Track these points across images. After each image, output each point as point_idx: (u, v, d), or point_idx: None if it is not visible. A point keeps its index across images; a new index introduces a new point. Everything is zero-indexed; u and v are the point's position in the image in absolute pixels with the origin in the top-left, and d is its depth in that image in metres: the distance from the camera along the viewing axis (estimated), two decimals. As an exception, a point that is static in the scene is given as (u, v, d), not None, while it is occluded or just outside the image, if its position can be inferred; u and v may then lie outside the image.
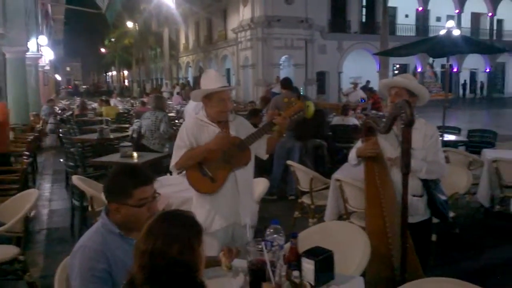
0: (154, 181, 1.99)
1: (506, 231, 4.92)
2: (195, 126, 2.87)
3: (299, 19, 27.88)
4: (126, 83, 59.33)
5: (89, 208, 4.49)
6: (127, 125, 11.44)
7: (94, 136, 8.35)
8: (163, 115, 6.84)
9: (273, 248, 2.00)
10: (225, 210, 2.83)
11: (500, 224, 5.25)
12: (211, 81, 2.83)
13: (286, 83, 7.11)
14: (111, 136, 8.50)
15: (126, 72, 59.65)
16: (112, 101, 17.33)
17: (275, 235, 2.13)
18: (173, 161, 2.84)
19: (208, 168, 2.79)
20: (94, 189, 4.34)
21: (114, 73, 64.37)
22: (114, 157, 6.08)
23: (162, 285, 1.43)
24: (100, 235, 1.93)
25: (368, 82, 20.37)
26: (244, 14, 29.36)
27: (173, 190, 3.87)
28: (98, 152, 7.88)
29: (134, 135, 7.19)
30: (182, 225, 1.49)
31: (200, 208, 2.83)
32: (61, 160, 8.33)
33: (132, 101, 22.66)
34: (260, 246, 1.97)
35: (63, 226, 5.54)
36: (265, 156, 3.01)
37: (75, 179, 4.55)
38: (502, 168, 5.21)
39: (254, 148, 2.90)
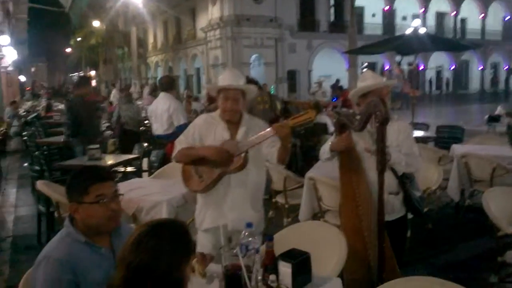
0: (113, 179, 1.95)
1: (476, 225, 5.00)
2: (204, 123, 2.84)
3: (268, 18, 27.93)
4: (94, 83, 58.06)
5: (56, 214, 4.31)
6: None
7: (61, 138, 8.01)
8: (137, 106, 9.67)
9: (248, 252, 1.93)
10: (214, 211, 2.79)
11: (470, 218, 5.34)
12: (223, 78, 2.78)
13: (253, 83, 7.05)
14: (79, 138, 8.29)
15: (93, 73, 58.39)
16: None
17: (250, 239, 2.06)
18: (174, 153, 2.83)
19: (201, 167, 2.73)
20: (60, 194, 4.15)
21: (81, 73, 62.97)
22: (82, 160, 5.88)
23: None
24: (65, 244, 1.83)
25: (337, 80, 20.60)
26: (213, 13, 29.16)
27: (143, 193, 3.75)
28: (65, 155, 7.67)
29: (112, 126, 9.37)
30: (173, 241, 1.45)
31: (198, 203, 2.91)
32: (25, 164, 8.04)
33: (100, 102, 22.04)
34: (234, 251, 1.90)
35: (30, 233, 5.29)
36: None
37: (40, 184, 4.35)
38: (471, 163, 5.32)
39: (261, 154, 2.77)
